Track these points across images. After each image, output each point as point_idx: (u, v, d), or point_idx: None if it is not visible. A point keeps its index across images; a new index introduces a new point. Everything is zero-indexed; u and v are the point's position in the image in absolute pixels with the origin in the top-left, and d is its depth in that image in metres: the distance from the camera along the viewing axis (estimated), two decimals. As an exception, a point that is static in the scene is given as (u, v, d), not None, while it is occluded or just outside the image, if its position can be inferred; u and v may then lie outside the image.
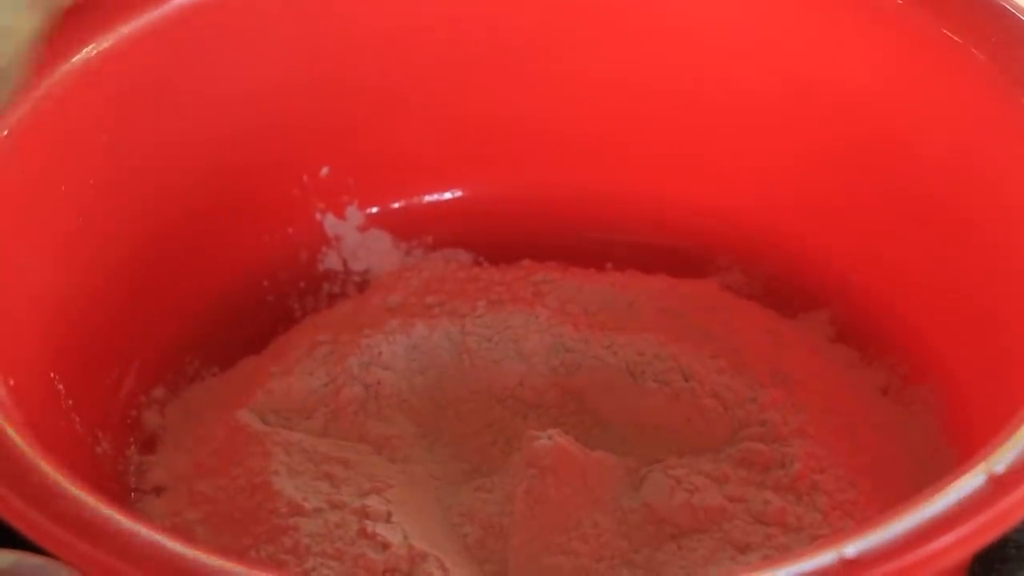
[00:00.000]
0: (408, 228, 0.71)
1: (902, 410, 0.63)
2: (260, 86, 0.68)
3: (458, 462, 0.62)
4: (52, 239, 0.62)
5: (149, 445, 0.63)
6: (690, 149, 0.70)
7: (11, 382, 0.55)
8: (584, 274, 0.68)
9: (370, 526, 0.57)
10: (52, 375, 0.60)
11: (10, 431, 0.51)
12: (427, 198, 0.71)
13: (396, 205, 0.71)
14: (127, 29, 0.64)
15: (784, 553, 0.56)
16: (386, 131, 0.70)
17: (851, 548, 0.46)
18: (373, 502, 0.58)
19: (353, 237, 0.70)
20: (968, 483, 0.47)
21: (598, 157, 0.71)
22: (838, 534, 0.54)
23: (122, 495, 0.61)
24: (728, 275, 0.69)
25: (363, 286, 0.70)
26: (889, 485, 0.60)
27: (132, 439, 0.63)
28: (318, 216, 0.70)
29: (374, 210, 0.71)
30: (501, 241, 0.70)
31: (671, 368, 0.63)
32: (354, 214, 0.71)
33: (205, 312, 0.68)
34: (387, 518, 0.57)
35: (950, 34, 0.63)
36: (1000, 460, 0.48)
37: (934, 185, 0.64)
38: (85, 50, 0.62)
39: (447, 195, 0.71)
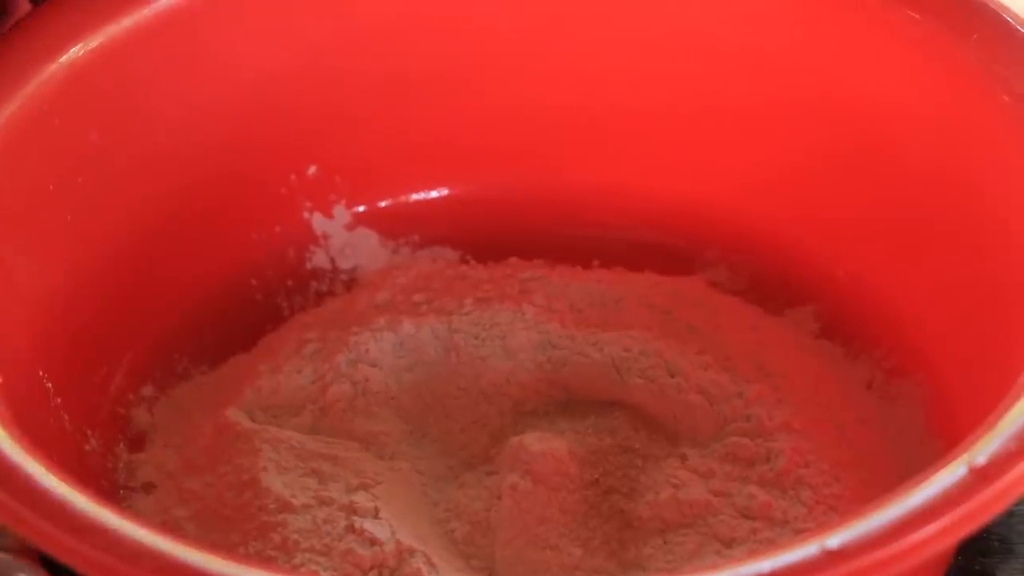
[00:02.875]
0: (395, 226, 0.71)
1: (887, 404, 0.64)
2: (247, 86, 0.68)
3: (445, 458, 0.62)
4: (41, 238, 0.62)
5: (138, 443, 0.64)
6: (677, 147, 0.71)
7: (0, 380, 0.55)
8: (571, 271, 0.69)
9: (358, 522, 0.57)
10: (41, 373, 0.60)
11: (-1, 429, 0.52)
12: (414, 196, 0.71)
13: (383, 204, 0.71)
14: (115, 28, 0.64)
15: (769, 547, 0.57)
16: (373, 130, 0.70)
17: (834, 539, 0.46)
18: (361, 498, 0.58)
19: (341, 236, 0.71)
20: (949, 474, 0.47)
21: (585, 155, 0.71)
22: (821, 528, 0.55)
23: (111, 493, 0.61)
24: (714, 272, 0.69)
25: (351, 284, 0.70)
26: (874, 479, 0.60)
27: (121, 437, 0.63)
28: (306, 215, 0.70)
29: (361, 209, 0.71)
30: (488, 239, 0.70)
31: (657, 364, 0.63)
32: (341, 213, 0.71)
33: (194, 310, 0.68)
34: (375, 514, 0.58)
35: (932, 32, 0.64)
36: (981, 451, 0.48)
37: (918, 182, 0.64)
38: (73, 49, 0.63)
39: (434, 193, 0.72)
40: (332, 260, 0.71)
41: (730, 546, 0.57)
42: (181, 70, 0.66)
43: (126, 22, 0.64)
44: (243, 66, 0.68)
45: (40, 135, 0.62)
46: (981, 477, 0.47)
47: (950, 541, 0.47)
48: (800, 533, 0.57)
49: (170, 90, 0.66)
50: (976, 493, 0.47)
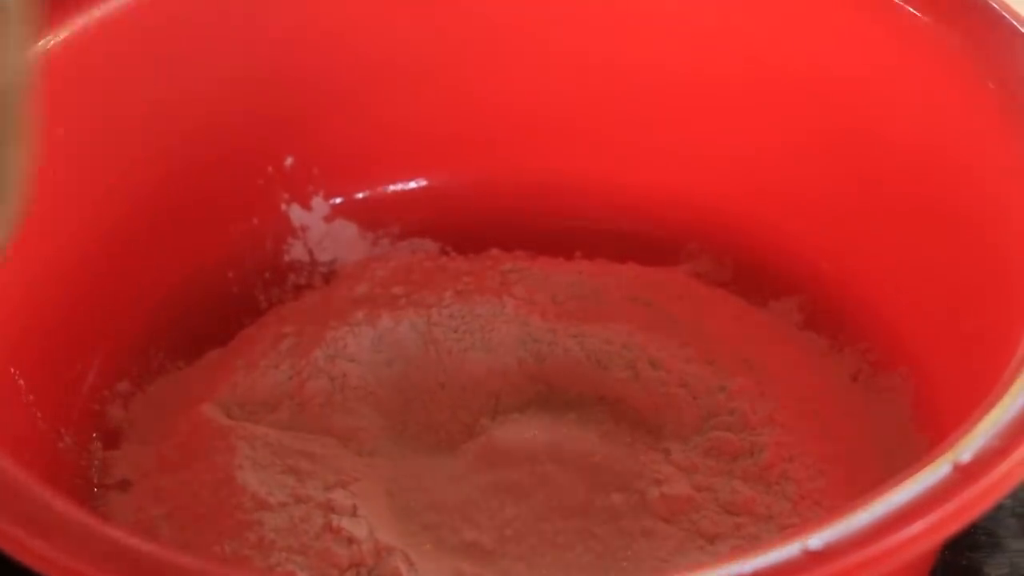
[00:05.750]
0: (374, 218, 0.70)
1: (872, 397, 0.63)
2: (223, 76, 0.67)
3: (425, 454, 0.61)
4: (12, 232, 0.61)
5: (113, 440, 0.63)
6: (661, 137, 0.70)
7: (-31, 378, 0.54)
8: (552, 263, 0.68)
9: (335, 520, 0.57)
10: (12, 370, 0.59)
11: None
12: (392, 187, 0.71)
13: (361, 195, 0.71)
14: (84, 20, 0.63)
15: (753, 543, 0.56)
16: (351, 121, 0.70)
17: (815, 540, 0.45)
18: (339, 496, 0.58)
19: (319, 227, 0.70)
20: (933, 473, 0.47)
21: (566, 144, 0.71)
22: (806, 524, 0.54)
23: (85, 491, 0.60)
24: (697, 263, 0.69)
25: (329, 277, 0.69)
26: (859, 472, 0.59)
27: (96, 434, 0.63)
28: (283, 207, 0.70)
29: (339, 200, 0.70)
30: (468, 230, 0.70)
31: (639, 357, 0.62)
32: (320, 204, 0.70)
33: (170, 305, 0.67)
34: (353, 512, 0.57)
35: (922, 22, 0.63)
36: (966, 449, 0.47)
37: (904, 174, 0.64)
38: (41, 42, 0.62)
39: (412, 184, 0.71)
40: (310, 252, 0.70)
41: (713, 542, 0.57)
42: (153, 62, 0.66)
43: (96, 13, 0.63)
44: (218, 57, 0.67)
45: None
46: (966, 475, 0.47)
47: (934, 541, 0.47)
48: (784, 529, 0.57)
49: (142, 82, 0.65)
50: (961, 491, 0.46)
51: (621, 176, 0.70)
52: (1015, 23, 0.61)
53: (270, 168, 0.69)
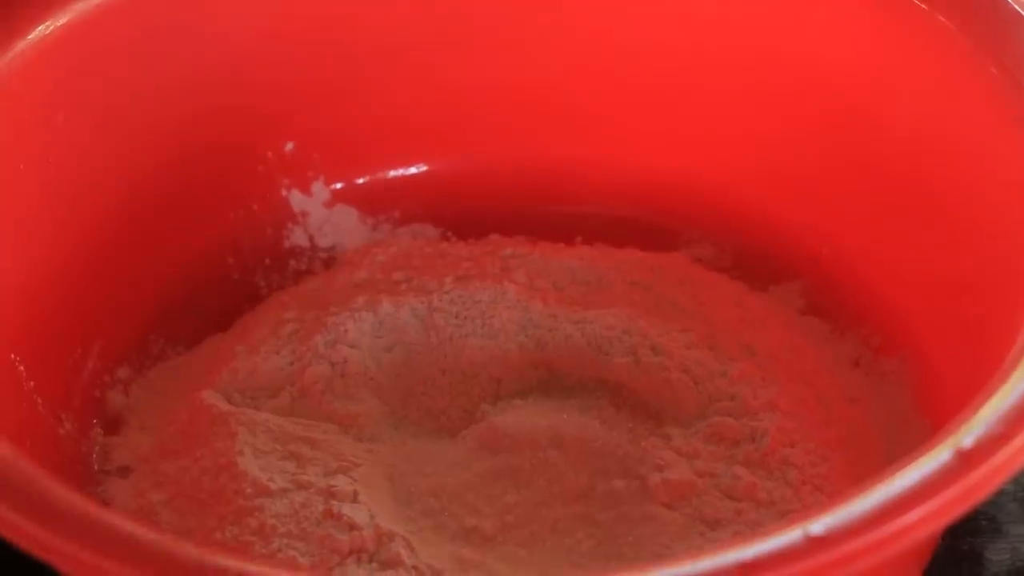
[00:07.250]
0: (375, 203, 0.70)
1: (874, 382, 0.63)
2: (221, 62, 0.67)
3: (425, 440, 0.61)
4: (12, 218, 0.61)
5: (114, 426, 0.63)
6: (660, 122, 0.70)
7: (-31, 365, 0.54)
8: (553, 248, 0.68)
9: (336, 506, 0.56)
10: (12, 356, 0.59)
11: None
12: (392, 173, 0.71)
13: (362, 180, 0.71)
14: (83, 6, 0.63)
15: (755, 528, 0.56)
16: (351, 106, 0.69)
17: (817, 525, 0.45)
18: (339, 482, 0.58)
19: (319, 213, 0.70)
20: (935, 458, 0.47)
21: (566, 129, 0.71)
22: (808, 509, 0.54)
23: (86, 477, 0.60)
24: (698, 248, 0.69)
25: (330, 262, 0.69)
26: (861, 458, 0.59)
27: (96, 420, 0.63)
28: (284, 192, 0.70)
29: (339, 185, 0.70)
30: (469, 215, 0.70)
31: (640, 343, 0.62)
32: (320, 190, 0.70)
33: (170, 290, 0.67)
34: (353, 498, 0.57)
35: (919, 6, 0.63)
36: (968, 434, 0.47)
37: (904, 158, 0.64)
38: (41, 27, 0.62)
39: (413, 170, 0.71)
40: (311, 238, 0.70)
41: (715, 528, 0.57)
42: (152, 48, 0.65)
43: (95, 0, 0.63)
44: (216, 41, 0.67)
45: (7, 115, 0.61)
46: (968, 461, 0.47)
47: (935, 527, 0.46)
48: (786, 514, 0.57)
49: (142, 68, 0.65)
50: (963, 477, 0.46)
51: (622, 161, 0.70)
52: (1015, 6, 0.61)
53: (270, 154, 0.69)
